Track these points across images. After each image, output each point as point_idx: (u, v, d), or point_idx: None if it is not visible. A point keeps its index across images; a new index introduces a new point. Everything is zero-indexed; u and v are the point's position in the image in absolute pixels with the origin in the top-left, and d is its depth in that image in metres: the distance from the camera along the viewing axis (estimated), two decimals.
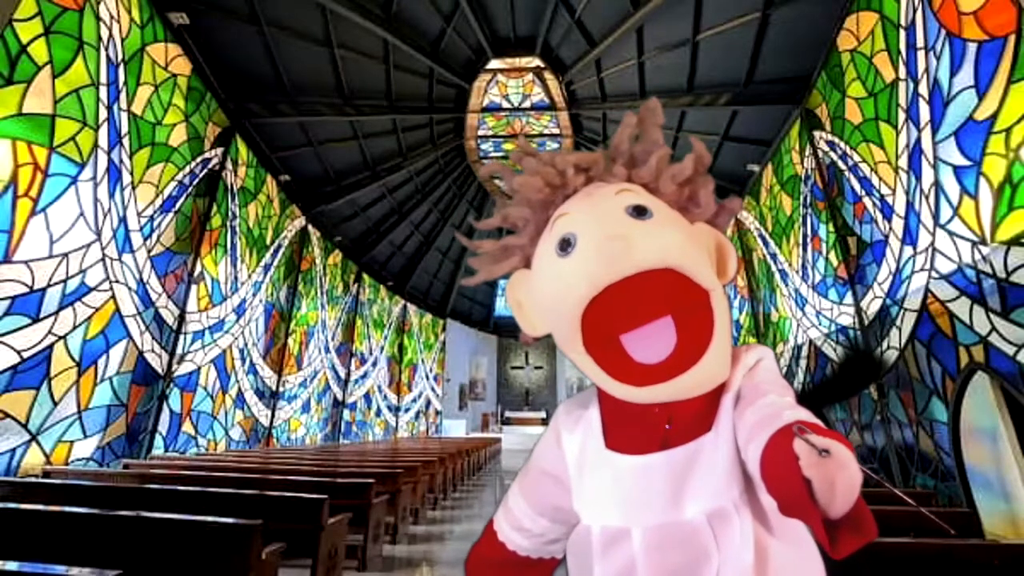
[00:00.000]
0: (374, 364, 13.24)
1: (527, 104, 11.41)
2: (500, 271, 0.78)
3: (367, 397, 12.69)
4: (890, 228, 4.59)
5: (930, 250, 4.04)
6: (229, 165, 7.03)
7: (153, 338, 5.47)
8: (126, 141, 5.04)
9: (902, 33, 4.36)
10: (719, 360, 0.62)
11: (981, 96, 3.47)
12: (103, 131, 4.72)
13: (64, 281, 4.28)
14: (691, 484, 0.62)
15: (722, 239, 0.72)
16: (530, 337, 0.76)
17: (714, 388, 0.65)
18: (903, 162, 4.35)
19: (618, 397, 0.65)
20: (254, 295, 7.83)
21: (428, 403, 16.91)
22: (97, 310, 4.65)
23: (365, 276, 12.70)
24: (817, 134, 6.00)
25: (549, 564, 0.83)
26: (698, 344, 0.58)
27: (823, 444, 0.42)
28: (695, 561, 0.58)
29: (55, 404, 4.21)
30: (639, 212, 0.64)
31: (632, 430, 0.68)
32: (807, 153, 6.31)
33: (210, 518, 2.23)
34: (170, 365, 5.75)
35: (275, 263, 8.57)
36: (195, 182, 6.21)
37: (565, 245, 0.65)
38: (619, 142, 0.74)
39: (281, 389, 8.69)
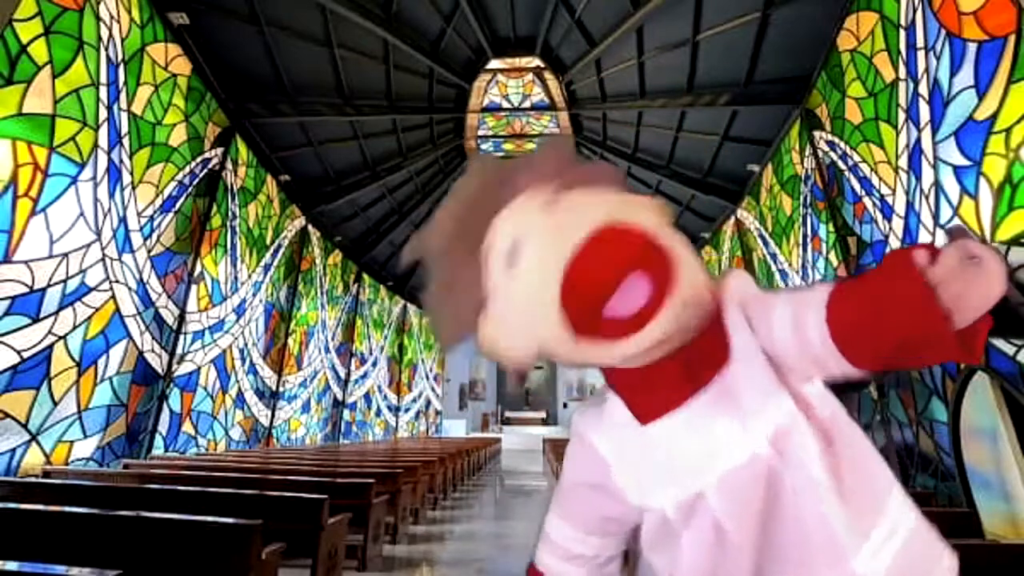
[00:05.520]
0: (374, 364, 13.23)
1: (527, 104, 11.39)
2: (468, 329, 0.69)
3: (367, 397, 12.68)
4: (890, 228, 4.59)
5: None
6: (229, 165, 7.03)
7: (153, 338, 5.47)
8: (126, 141, 5.04)
9: (902, 33, 4.36)
10: (697, 275, 0.60)
11: (981, 96, 3.47)
12: (103, 131, 4.71)
13: (64, 281, 4.28)
14: (736, 415, 0.61)
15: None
16: (525, 370, 0.69)
17: (709, 319, 0.63)
18: (903, 162, 4.35)
19: (616, 359, 0.62)
20: (254, 295, 7.83)
21: (428, 403, 16.91)
22: (97, 310, 4.65)
23: (365, 276, 12.70)
24: (817, 134, 6.00)
25: None
26: (671, 275, 0.57)
27: (974, 251, 0.45)
28: (772, 490, 0.58)
29: (55, 404, 4.21)
30: (559, 191, 0.63)
31: (655, 395, 0.66)
32: (807, 153, 6.31)
33: (210, 518, 2.23)
34: (170, 365, 5.75)
35: (275, 263, 8.57)
36: (195, 182, 6.21)
37: (511, 256, 0.61)
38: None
39: (281, 389, 8.69)
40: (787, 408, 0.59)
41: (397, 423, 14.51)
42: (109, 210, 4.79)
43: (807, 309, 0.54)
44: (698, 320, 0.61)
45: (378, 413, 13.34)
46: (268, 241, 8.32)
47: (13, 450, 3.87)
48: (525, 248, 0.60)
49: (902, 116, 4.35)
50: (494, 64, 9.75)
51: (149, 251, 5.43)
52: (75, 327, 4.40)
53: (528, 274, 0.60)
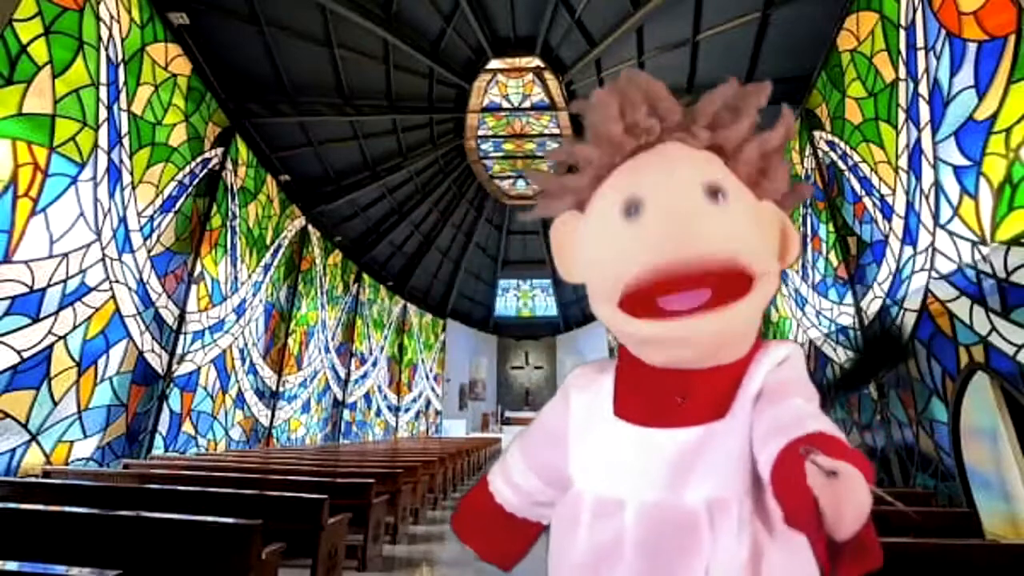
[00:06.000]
0: (374, 364, 13.23)
1: (527, 104, 11.41)
2: (555, 210, 0.74)
3: (367, 397, 12.68)
4: (890, 228, 4.59)
5: (930, 250, 4.04)
6: (229, 165, 7.03)
7: (153, 338, 5.47)
8: (126, 141, 5.04)
9: (902, 33, 4.35)
10: (742, 322, 0.61)
11: (981, 96, 3.47)
12: (103, 131, 4.71)
13: (64, 281, 4.28)
14: (697, 468, 0.60)
15: (787, 223, 0.70)
16: (563, 278, 0.75)
17: (733, 369, 0.63)
18: (903, 162, 4.35)
19: (637, 335, 0.63)
20: (254, 295, 7.83)
21: (428, 403, 16.90)
22: (97, 310, 4.65)
23: (365, 276, 12.70)
24: (817, 134, 6.00)
25: (534, 527, 0.81)
26: (726, 300, 0.57)
27: (831, 466, 0.42)
28: (686, 546, 0.57)
29: (55, 404, 4.21)
30: (713, 194, 0.62)
31: (644, 400, 0.66)
32: (807, 153, 6.31)
33: (210, 518, 2.23)
34: (170, 365, 5.75)
35: (275, 263, 8.57)
36: (195, 182, 6.21)
37: (630, 209, 0.62)
38: (707, 104, 0.70)
39: (281, 389, 8.69)
40: (738, 488, 0.58)
41: (397, 423, 14.52)
42: (109, 210, 4.80)
43: (773, 440, 0.51)
44: (724, 344, 0.62)
45: (378, 413, 13.34)
46: (268, 241, 8.32)
47: (13, 450, 3.87)
48: (644, 214, 0.61)
49: (902, 116, 4.35)
50: (494, 64, 9.76)
51: (149, 251, 5.43)
52: (75, 327, 4.40)
53: (627, 241, 0.62)
